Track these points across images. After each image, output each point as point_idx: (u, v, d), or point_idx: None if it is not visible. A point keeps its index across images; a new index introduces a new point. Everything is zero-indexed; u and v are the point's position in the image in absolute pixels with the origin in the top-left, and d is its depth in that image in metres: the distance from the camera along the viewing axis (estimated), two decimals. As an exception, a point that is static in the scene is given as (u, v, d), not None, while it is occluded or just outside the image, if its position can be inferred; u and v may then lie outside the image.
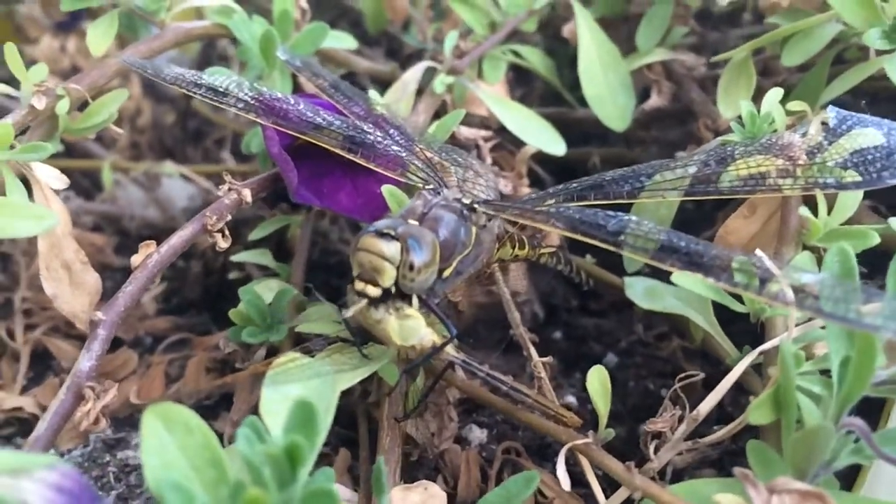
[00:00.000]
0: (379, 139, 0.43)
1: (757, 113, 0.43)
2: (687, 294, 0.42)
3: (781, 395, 0.33)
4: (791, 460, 0.32)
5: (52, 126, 0.44)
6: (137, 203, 0.66)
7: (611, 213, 0.36)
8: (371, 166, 0.41)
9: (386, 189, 0.41)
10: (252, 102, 0.42)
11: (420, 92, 0.54)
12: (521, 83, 0.65)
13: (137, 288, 0.39)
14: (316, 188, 0.45)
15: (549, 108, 0.61)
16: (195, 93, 0.43)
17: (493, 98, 0.54)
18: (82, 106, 0.45)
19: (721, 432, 0.36)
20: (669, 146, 0.59)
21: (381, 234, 0.34)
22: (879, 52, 0.44)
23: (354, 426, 0.45)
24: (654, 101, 0.57)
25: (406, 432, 0.41)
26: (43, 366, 0.53)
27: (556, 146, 0.53)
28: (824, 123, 0.40)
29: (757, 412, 0.33)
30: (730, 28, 0.65)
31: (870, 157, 0.37)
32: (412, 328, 0.34)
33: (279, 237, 0.54)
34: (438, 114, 0.53)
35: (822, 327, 0.36)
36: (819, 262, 0.38)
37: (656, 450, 0.37)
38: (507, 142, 0.55)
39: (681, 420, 0.37)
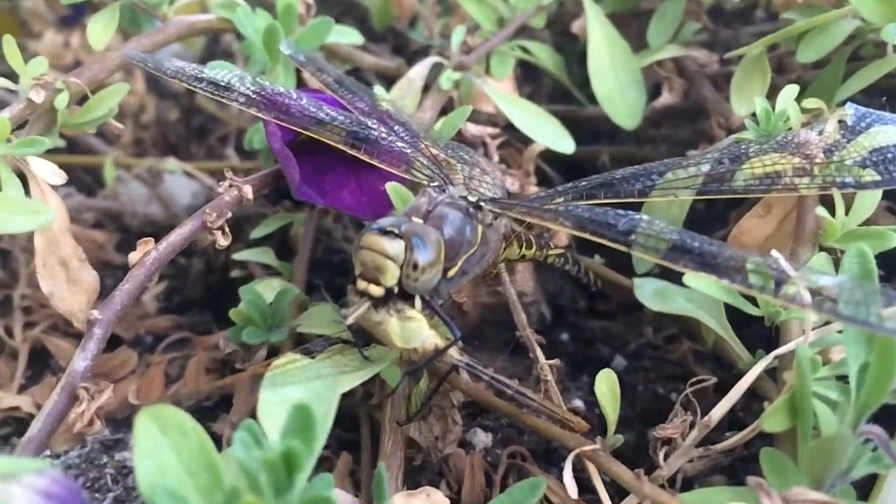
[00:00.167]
0: (383, 135, 0.42)
1: (772, 110, 0.42)
2: (698, 296, 0.41)
3: (797, 401, 0.32)
4: (807, 469, 0.31)
5: (50, 120, 0.43)
6: (140, 200, 0.65)
7: (621, 211, 0.35)
8: (375, 163, 0.40)
9: (390, 186, 0.40)
10: (254, 97, 0.42)
11: (426, 88, 0.53)
12: (530, 80, 0.64)
13: (135, 286, 0.38)
14: (319, 185, 0.44)
15: (557, 105, 0.60)
16: (196, 87, 0.42)
17: (501, 95, 0.53)
18: (83, 100, 0.44)
19: (733, 439, 0.35)
20: (680, 144, 0.58)
21: (385, 232, 0.33)
22: (897, 49, 0.43)
23: (356, 428, 0.44)
24: (665, 98, 0.57)
25: (409, 436, 0.40)
26: (41, 364, 0.52)
27: (564, 144, 0.52)
28: (842, 121, 0.39)
29: (772, 419, 0.32)
30: (742, 25, 0.64)
31: (889, 155, 0.36)
32: (414, 330, 0.33)
33: (282, 235, 0.53)
34: (445, 110, 0.52)
35: (839, 331, 0.35)
36: (836, 263, 0.37)
37: (666, 456, 0.36)
38: (514, 139, 0.54)
39: (692, 426, 0.36)
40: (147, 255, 0.39)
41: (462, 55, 0.54)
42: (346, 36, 0.53)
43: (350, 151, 0.40)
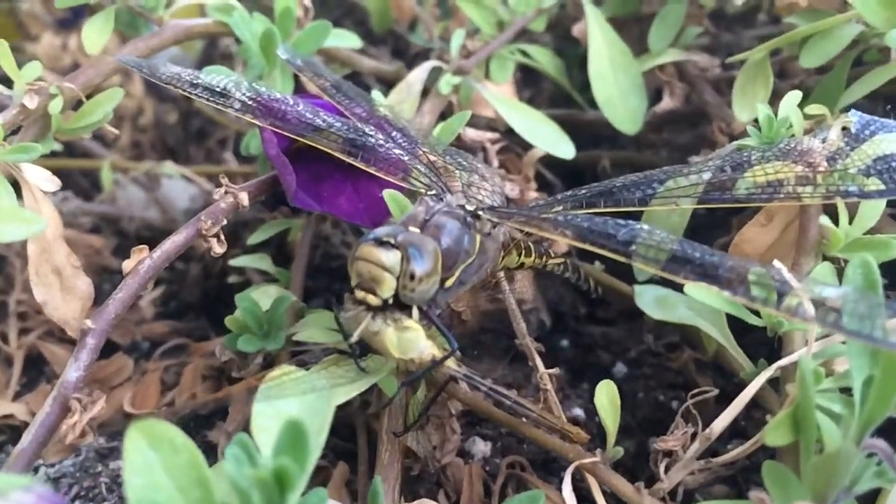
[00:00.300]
0: (381, 142, 0.41)
1: (774, 116, 0.41)
2: (699, 304, 0.40)
3: (800, 414, 0.31)
4: (810, 484, 0.30)
5: (44, 125, 0.43)
6: (137, 204, 0.65)
7: (621, 221, 0.35)
8: (371, 170, 0.40)
9: (387, 194, 0.40)
10: (249, 103, 0.41)
11: (426, 92, 0.53)
12: (530, 84, 0.64)
13: (129, 295, 0.38)
14: (315, 192, 0.43)
15: (557, 109, 0.59)
16: (191, 93, 0.41)
17: (501, 99, 0.53)
18: (78, 105, 0.44)
19: (735, 452, 0.35)
20: (681, 149, 0.57)
21: (381, 243, 0.33)
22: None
23: (353, 438, 0.44)
24: (667, 103, 0.56)
25: (406, 445, 0.40)
26: (36, 371, 0.52)
27: (564, 149, 0.52)
28: (846, 128, 0.38)
29: (774, 433, 0.31)
30: (744, 29, 0.64)
31: (894, 164, 0.36)
32: (411, 341, 0.33)
33: (279, 241, 0.53)
34: (444, 115, 0.52)
35: (843, 342, 0.34)
36: (839, 273, 0.37)
37: (667, 469, 0.36)
38: (514, 144, 0.53)
39: (693, 438, 0.36)
40: (141, 262, 0.38)
41: (461, 59, 0.54)
42: (345, 40, 0.53)
43: (347, 159, 0.40)
